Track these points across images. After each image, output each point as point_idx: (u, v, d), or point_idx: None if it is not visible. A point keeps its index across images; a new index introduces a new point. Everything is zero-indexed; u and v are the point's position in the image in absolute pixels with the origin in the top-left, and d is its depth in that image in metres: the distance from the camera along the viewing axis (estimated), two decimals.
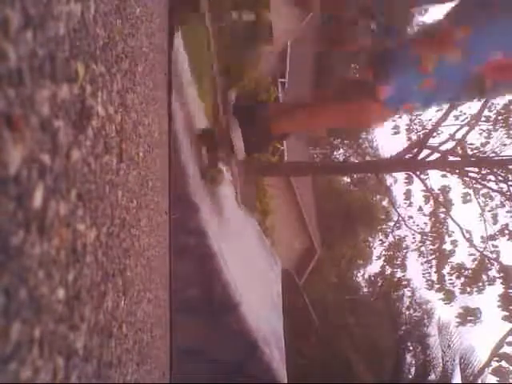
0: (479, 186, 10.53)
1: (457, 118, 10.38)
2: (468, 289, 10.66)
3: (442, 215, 11.43)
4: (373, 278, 16.96)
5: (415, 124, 11.67)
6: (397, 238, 13.30)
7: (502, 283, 9.90)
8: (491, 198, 10.64)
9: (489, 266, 10.54)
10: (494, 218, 10.68)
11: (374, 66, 1.63)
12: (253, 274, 2.16)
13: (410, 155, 9.92)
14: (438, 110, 10.61)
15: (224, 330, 1.72)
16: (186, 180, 1.66)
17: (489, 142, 10.30)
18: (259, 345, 1.75)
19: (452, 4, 1.59)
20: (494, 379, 9.22)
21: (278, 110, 1.85)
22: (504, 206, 10.53)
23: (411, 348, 9.85)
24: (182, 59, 2.16)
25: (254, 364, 1.76)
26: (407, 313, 12.78)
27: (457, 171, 10.23)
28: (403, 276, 13.53)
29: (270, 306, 2.34)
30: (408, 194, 12.40)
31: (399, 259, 13.30)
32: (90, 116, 0.48)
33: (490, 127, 10.35)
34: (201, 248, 1.67)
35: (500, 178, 9.85)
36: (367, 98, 1.59)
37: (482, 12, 1.41)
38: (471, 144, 10.32)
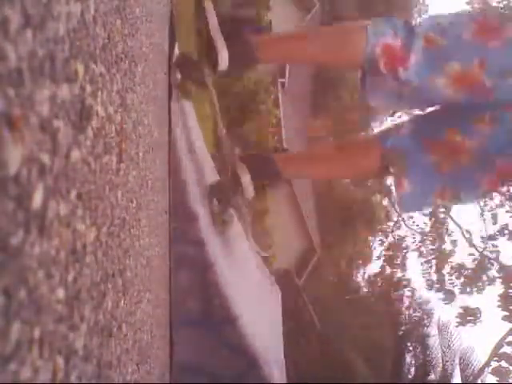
0: None
1: None
2: (468, 289, 10.67)
3: (442, 215, 11.43)
4: (373, 278, 16.96)
5: None
6: (397, 238, 13.31)
7: (501, 283, 9.91)
8: (491, 198, 10.66)
9: (489, 265, 10.55)
10: (494, 217, 10.69)
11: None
12: (251, 297, 2.13)
13: None
14: None
15: (222, 345, 1.70)
16: (185, 187, 1.64)
17: None
18: (258, 362, 1.72)
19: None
20: (494, 379, 9.23)
21: (268, 39, 1.83)
22: (503, 205, 10.54)
23: (411, 348, 9.86)
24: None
25: (252, 381, 1.73)
26: (407, 313, 12.79)
27: None
28: (403, 276, 13.54)
29: (268, 329, 2.31)
30: None
31: (399, 259, 13.30)
32: (89, 116, 0.48)
33: None
34: (199, 258, 1.64)
35: None
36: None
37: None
38: None
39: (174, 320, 1.58)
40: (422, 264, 11.75)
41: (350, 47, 1.59)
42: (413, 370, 9.54)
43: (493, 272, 10.47)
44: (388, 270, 14.01)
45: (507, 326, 9.65)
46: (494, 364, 9.44)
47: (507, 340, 9.69)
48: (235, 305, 1.68)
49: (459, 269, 10.84)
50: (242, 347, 1.68)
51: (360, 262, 20.18)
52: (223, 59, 1.58)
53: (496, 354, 9.52)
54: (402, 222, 12.59)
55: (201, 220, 1.66)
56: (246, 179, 1.70)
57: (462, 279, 10.77)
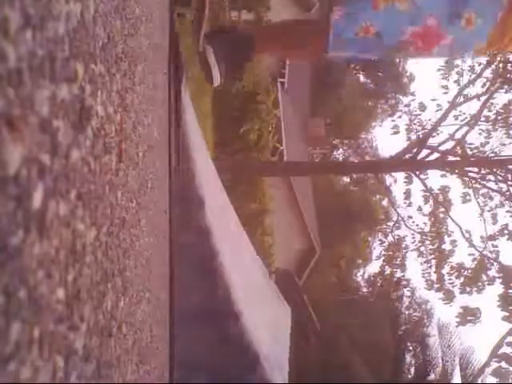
0: (479, 186, 10.52)
1: (456, 117, 10.37)
2: (468, 289, 10.65)
3: (442, 215, 11.41)
4: (372, 278, 16.94)
5: (415, 124, 11.67)
6: (396, 237, 13.27)
7: (501, 283, 9.89)
8: (491, 198, 10.63)
9: (488, 265, 10.53)
10: (494, 217, 10.67)
11: None
12: (254, 297, 2.09)
13: (410, 155, 9.92)
14: (437, 110, 10.63)
15: (224, 341, 1.67)
16: (192, 173, 1.62)
17: (488, 142, 10.29)
18: (260, 361, 1.69)
19: None
20: (494, 379, 9.23)
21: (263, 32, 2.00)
22: (503, 205, 10.52)
23: (411, 348, 9.85)
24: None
25: (254, 380, 1.70)
26: (407, 313, 12.79)
27: (456, 171, 10.23)
28: (403, 276, 13.51)
29: (274, 334, 2.26)
30: (408, 194, 12.38)
31: (399, 259, 13.27)
32: (89, 116, 0.48)
33: (490, 127, 10.34)
34: (203, 248, 1.62)
35: (500, 177, 9.85)
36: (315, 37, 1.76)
37: None
38: (471, 144, 10.31)
39: (175, 315, 1.56)
40: (421, 264, 11.71)
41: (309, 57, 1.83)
42: (413, 369, 9.54)
43: (493, 272, 10.44)
44: (388, 270, 13.98)
45: (507, 326, 9.64)
46: (493, 364, 9.44)
47: (507, 340, 9.69)
48: (238, 301, 1.67)
49: (459, 269, 10.82)
50: (243, 346, 1.67)
51: (360, 261, 20.18)
52: (216, 76, 1.75)
53: (496, 354, 9.50)
54: (401, 222, 12.56)
55: (207, 207, 1.64)
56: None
57: (462, 279, 10.75)
